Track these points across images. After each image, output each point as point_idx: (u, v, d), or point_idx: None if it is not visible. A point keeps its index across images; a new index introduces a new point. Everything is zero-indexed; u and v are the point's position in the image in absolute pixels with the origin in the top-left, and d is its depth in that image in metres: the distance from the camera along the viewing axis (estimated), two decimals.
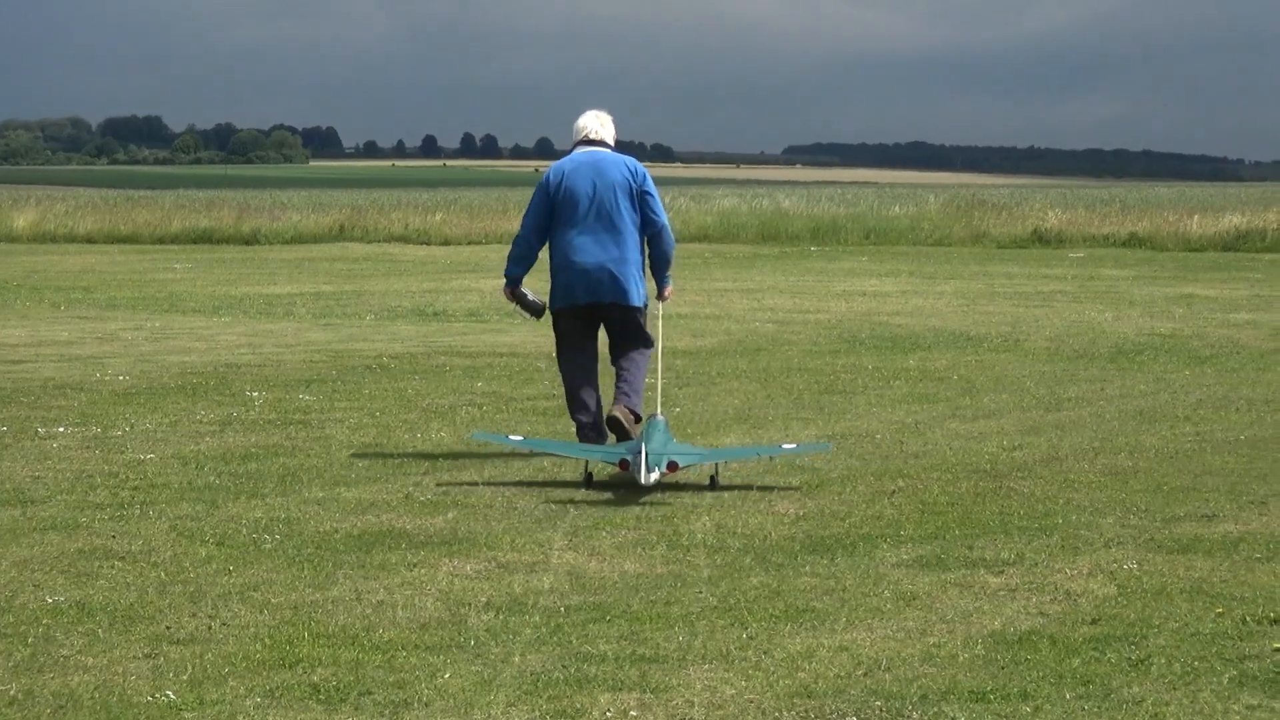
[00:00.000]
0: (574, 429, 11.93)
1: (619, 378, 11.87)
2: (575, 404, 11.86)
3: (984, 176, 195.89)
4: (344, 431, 12.88)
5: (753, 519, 9.59)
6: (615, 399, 11.73)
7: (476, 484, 10.65)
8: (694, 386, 15.71)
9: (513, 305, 12.29)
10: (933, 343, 19.99)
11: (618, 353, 12.00)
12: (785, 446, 11.54)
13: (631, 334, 11.95)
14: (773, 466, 11.31)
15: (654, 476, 10.28)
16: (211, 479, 10.84)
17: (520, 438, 11.84)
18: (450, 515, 9.68)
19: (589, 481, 10.76)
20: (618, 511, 9.82)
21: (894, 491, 10.41)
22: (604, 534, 9.18)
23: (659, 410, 11.48)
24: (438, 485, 10.61)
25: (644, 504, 10.03)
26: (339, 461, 11.53)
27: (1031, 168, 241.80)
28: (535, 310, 12.17)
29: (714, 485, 10.64)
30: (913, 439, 12.55)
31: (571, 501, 10.12)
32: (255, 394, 15.01)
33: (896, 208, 53.12)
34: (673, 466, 10.41)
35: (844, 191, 76.39)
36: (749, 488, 10.61)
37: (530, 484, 10.70)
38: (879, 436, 12.65)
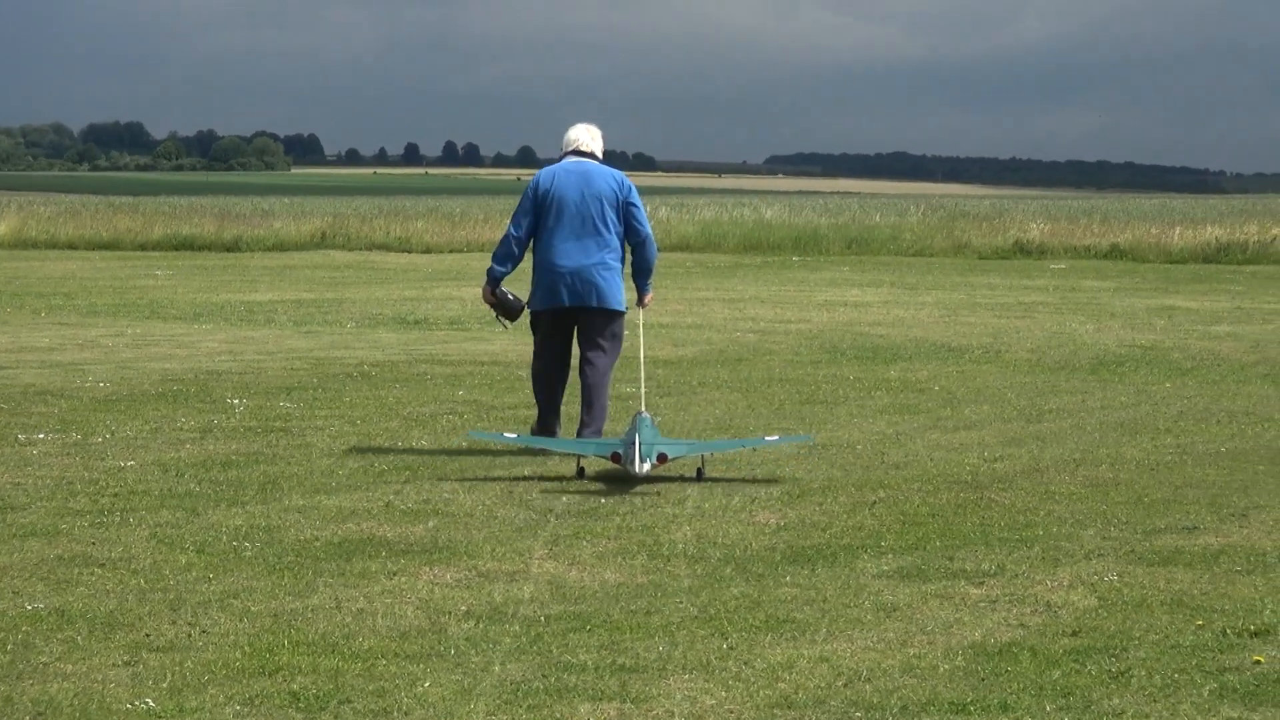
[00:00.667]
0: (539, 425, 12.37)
1: (585, 400, 12.19)
2: (540, 398, 12.34)
3: (966, 187, 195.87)
4: (325, 439, 12.87)
5: (733, 529, 9.58)
6: (580, 427, 12.16)
7: (458, 489, 10.64)
8: (675, 396, 15.71)
9: (492, 309, 12.66)
10: (914, 353, 20.01)
11: (586, 358, 12.19)
12: (768, 439, 12.16)
13: (606, 338, 12.23)
14: (757, 472, 11.32)
15: (645, 467, 10.83)
16: (192, 486, 10.82)
17: (514, 435, 12.30)
18: (431, 523, 9.67)
19: (581, 474, 11.20)
20: (598, 521, 9.81)
21: (875, 502, 10.41)
22: (585, 543, 9.18)
23: (644, 409, 11.64)
24: (418, 493, 10.60)
25: (625, 513, 10.02)
26: (320, 469, 11.51)
27: (1013, 179, 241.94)
28: (514, 311, 12.56)
29: (700, 477, 11.09)
30: (894, 450, 12.56)
31: (552, 510, 10.12)
32: (236, 401, 14.98)
33: (878, 218, 53.20)
34: (663, 458, 10.94)
35: (826, 201, 76.49)
36: (734, 480, 10.64)
37: (512, 491, 10.70)
38: (860, 447, 12.66)
